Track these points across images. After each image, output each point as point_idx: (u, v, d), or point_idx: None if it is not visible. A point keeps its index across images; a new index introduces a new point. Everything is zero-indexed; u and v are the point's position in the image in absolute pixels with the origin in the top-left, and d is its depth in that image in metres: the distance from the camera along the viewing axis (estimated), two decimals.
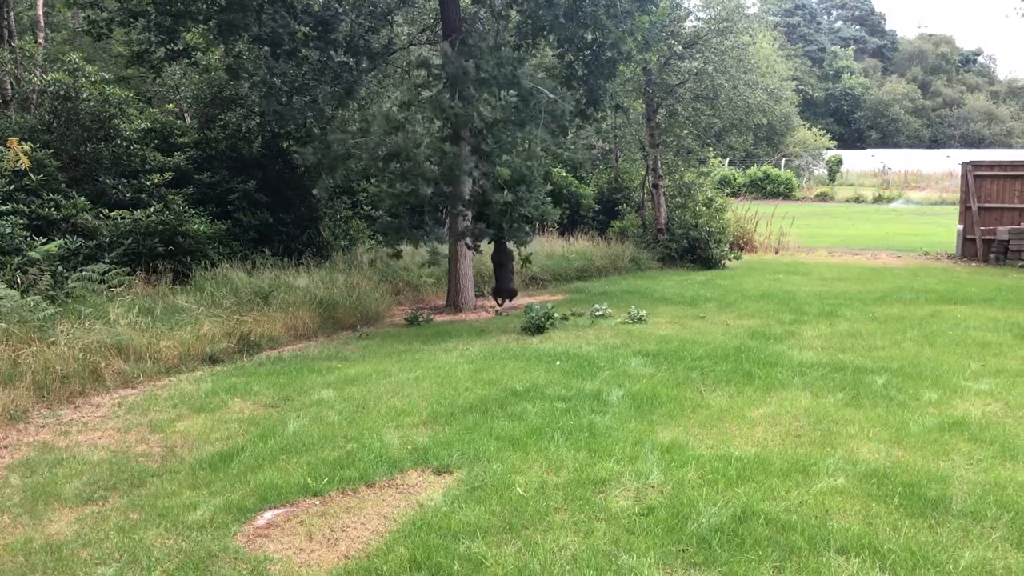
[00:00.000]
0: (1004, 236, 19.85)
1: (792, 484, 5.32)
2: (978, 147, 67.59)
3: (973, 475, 5.49)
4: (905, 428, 6.51)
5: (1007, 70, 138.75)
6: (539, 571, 4.26)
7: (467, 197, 12.34)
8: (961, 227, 21.13)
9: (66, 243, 11.75)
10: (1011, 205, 20.41)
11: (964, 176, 21.20)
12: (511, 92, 11.51)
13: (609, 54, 13.96)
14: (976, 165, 21.34)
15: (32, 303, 9.19)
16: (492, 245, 13.65)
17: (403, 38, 17.21)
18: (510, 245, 13.36)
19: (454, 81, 11.56)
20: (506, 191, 11.66)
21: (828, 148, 56.89)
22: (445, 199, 12.38)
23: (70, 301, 10.09)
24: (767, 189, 45.62)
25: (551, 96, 11.96)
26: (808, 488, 5.25)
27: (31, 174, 12.03)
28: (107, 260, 11.83)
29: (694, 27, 21.16)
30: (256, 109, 15.58)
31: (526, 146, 12.15)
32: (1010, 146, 71.89)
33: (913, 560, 4.31)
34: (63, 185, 12.91)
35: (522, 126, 11.84)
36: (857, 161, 59.10)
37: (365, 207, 17.82)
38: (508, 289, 13.92)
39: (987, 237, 20.41)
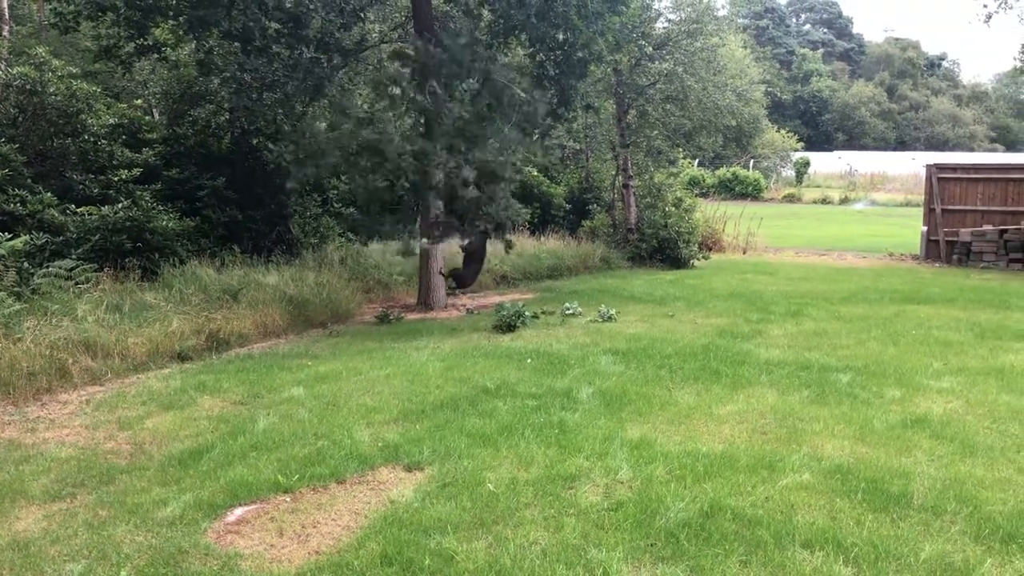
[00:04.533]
0: (967, 238, 20.19)
1: (758, 480, 5.41)
2: (942, 149, 68.48)
3: (934, 471, 5.61)
4: (869, 425, 6.63)
5: (971, 74, 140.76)
6: (509, 566, 4.30)
7: (438, 193, 12.30)
8: (925, 229, 21.47)
9: (32, 239, 11.58)
10: (973, 207, 20.77)
11: (928, 178, 21.55)
12: (479, 85, 11.50)
13: (580, 54, 14.03)
14: (940, 167, 21.70)
15: None
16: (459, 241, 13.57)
17: (375, 35, 17.16)
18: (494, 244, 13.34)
19: (426, 72, 11.51)
20: (474, 188, 11.59)
21: (796, 150, 57.41)
22: (415, 195, 12.35)
23: (36, 297, 9.97)
24: (736, 190, 46.02)
25: (523, 96, 11.95)
26: (774, 484, 5.34)
27: None
28: (74, 256, 11.68)
29: (664, 28, 21.31)
30: (226, 105, 15.45)
31: (497, 144, 12.10)
32: (973, 149, 73.07)
33: (875, 553, 4.41)
34: (29, 180, 12.73)
35: (493, 122, 11.82)
36: (824, 163, 59.72)
37: (335, 204, 17.75)
38: (462, 277, 13.75)
39: (950, 239, 20.75)
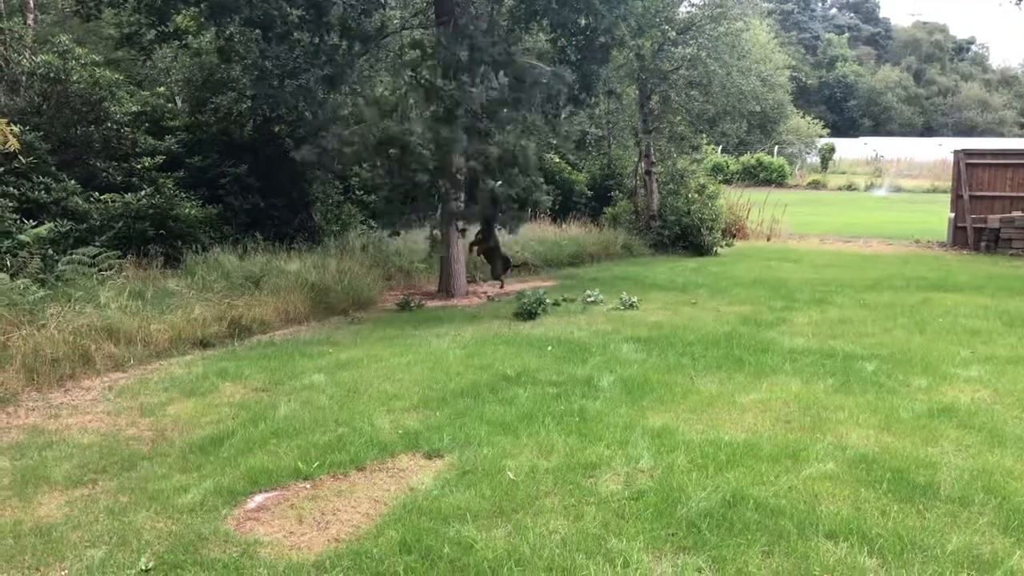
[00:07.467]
0: (995, 224, 19.90)
1: (782, 469, 5.34)
2: (970, 135, 67.53)
3: (961, 461, 5.52)
4: (894, 414, 6.53)
5: (1000, 59, 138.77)
6: (529, 554, 4.27)
7: (460, 179, 12.27)
8: (952, 215, 21.19)
9: (56, 226, 11.67)
10: (1002, 193, 20.46)
11: (956, 164, 21.24)
12: (503, 74, 11.44)
13: (602, 39, 13.93)
14: (968, 153, 21.37)
15: (22, 286, 9.14)
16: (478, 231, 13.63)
17: (396, 21, 17.12)
18: (501, 234, 13.40)
19: (447, 65, 11.48)
20: (497, 175, 11.58)
21: (821, 136, 56.86)
22: (437, 183, 12.33)
23: (60, 284, 10.05)
24: (760, 176, 45.60)
25: (546, 70, 11.84)
26: (797, 473, 5.27)
27: (20, 157, 11.94)
28: (97, 243, 11.77)
29: (688, 13, 21.11)
30: (247, 92, 15.48)
31: (519, 128, 12.03)
32: (1002, 134, 72.01)
33: (901, 545, 4.33)
34: (53, 168, 12.83)
35: (517, 107, 11.76)
36: (850, 149, 59.06)
37: (357, 192, 17.77)
38: (503, 267, 14.01)
39: (978, 225, 20.46)
